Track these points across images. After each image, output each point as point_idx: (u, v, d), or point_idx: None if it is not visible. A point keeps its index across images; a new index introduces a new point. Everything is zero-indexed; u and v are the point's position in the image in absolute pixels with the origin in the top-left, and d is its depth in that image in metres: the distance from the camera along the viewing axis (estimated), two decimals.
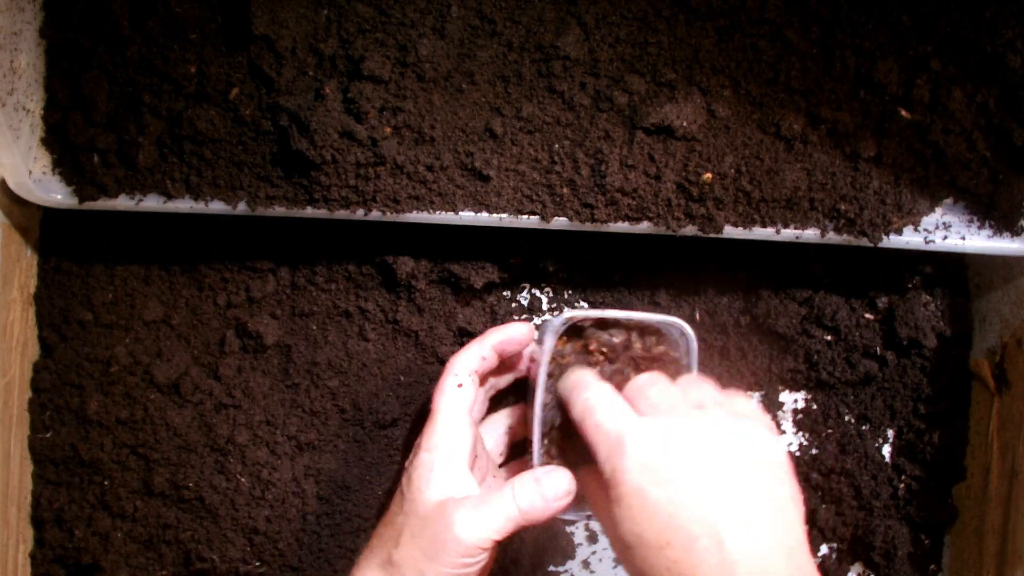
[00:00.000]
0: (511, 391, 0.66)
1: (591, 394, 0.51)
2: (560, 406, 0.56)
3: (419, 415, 0.71)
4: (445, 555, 0.52)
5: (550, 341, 0.57)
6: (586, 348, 0.57)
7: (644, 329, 0.58)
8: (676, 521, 0.45)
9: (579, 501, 0.56)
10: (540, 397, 0.56)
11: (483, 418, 0.66)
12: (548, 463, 0.56)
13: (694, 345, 0.57)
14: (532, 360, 0.61)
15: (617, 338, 0.57)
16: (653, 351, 0.58)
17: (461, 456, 0.56)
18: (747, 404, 0.52)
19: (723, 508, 0.45)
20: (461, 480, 0.55)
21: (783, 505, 0.47)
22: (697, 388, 0.52)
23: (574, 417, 0.51)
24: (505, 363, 0.62)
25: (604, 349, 0.57)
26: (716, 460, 0.46)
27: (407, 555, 0.53)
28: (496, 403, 0.67)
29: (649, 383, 0.51)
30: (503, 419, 0.66)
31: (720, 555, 0.44)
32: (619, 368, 0.57)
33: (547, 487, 0.53)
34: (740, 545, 0.44)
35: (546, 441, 0.57)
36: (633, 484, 0.46)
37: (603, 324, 0.58)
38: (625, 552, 0.47)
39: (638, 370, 0.56)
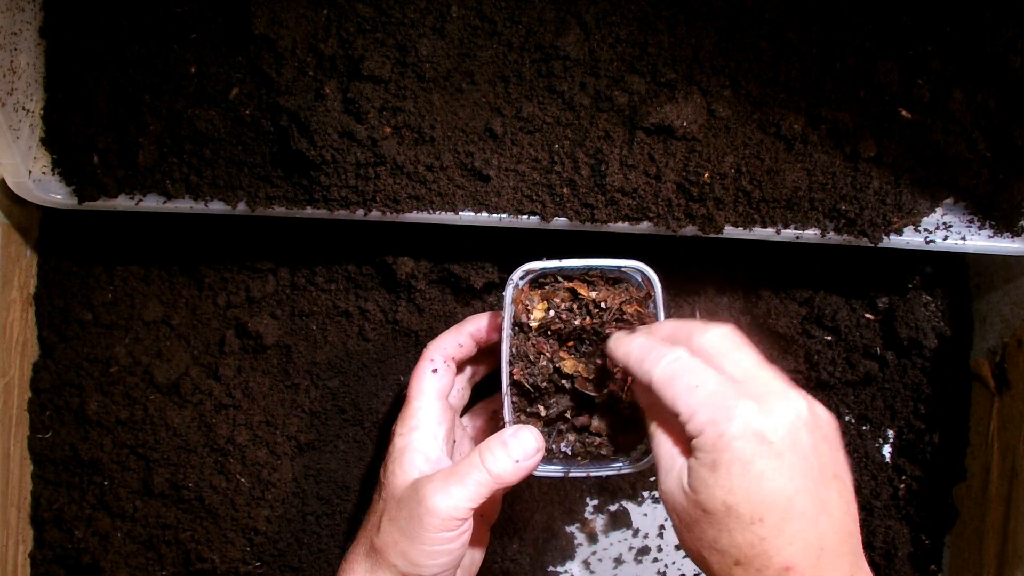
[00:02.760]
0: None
1: (675, 359, 0.48)
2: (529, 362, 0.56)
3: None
4: (423, 531, 0.52)
5: (509, 295, 0.56)
6: (550, 302, 0.58)
7: (606, 277, 0.58)
8: (775, 497, 0.43)
9: (550, 456, 0.57)
10: (506, 353, 0.56)
11: (467, 406, 0.66)
12: (519, 420, 0.57)
13: (659, 288, 0.57)
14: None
15: (594, 292, 0.58)
16: (630, 308, 0.57)
17: (436, 440, 0.56)
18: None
19: (817, 490, 0.44)
20: (435, 463, 0.56)
21: (851, 492, 0.47)
22: (765, 362, 0.49)
23: (656, 379, 0.48)
24: (486, 351, 0.62)
25: (575, 305, 0.57)
26: (814, 439, 0.45)
27: (388, 539, 0.53)
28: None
29: (733, 343, 0.48)
30: (488, 404, 0.66)
31: (809, 538, 0.43)
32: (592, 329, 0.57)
33: (515, 448, 0.53)
34: (827, 530, 0.44)
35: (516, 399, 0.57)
36: (740, 452, 0.44)
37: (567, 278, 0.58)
38: (703, 521, 0.45)
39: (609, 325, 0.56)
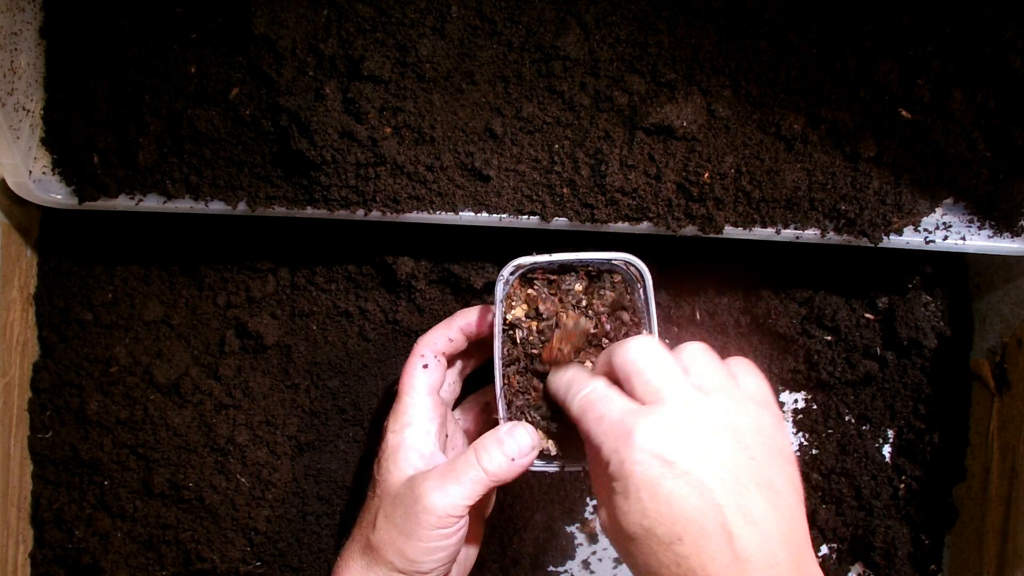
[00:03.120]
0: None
1: (588, 389, 0.50)
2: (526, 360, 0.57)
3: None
4: (419, 528, 0.52)
5: (500, 292, 0.56)
6: (533, 301, 0.58)
7: (598, 271, 0.58)
8: (687, 515, 0.43)
9: (545, 451, 0.57)
10: (498, 351, 0.56)
11: (459, 400, 0.66)
12: (514, 417, 0.57)
13: (650, 282, 0.56)
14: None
15: (578, 286, 0.57)
16: (614, 300, 0.57)
17: (428, 435, 0.57)
18: (752, 380, 0.50)
19: (734, 502, 0.44)
20: (429, 458, 0.56)
21: (789, 497, 0.46)
22: (701, 366, 0.49)
23: (573, 415, 0.51)
24: (476, 344, 0.62)
25: (564, 300, 0.57)
26: (726, 452, 0.45)
27: (383, 537, 0.53)
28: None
29: (645, 361, 0.48)
30: (480, 397, 0.66)
31: (732, 551, 0.43)
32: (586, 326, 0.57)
33: (510, 446, 0.53)
34: (750, 541, 0.43)
35: (515, 401, 0.57)
36: (643, 476, 0.44)
37: (555, 271, 0.58)
38: (629, 545, 0.46)
39: (600, 319, 0.57)
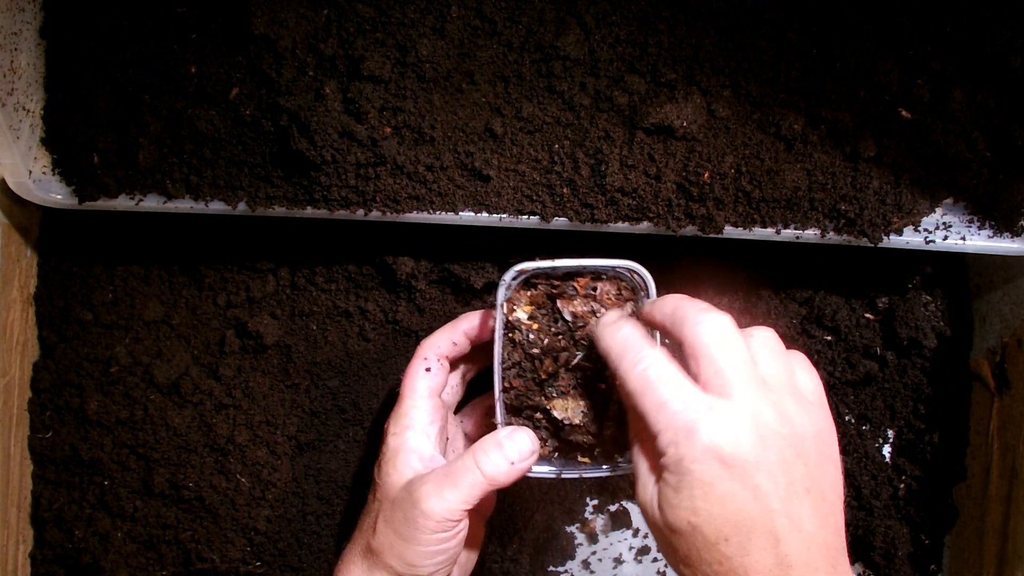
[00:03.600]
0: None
1: (649, 365, 0.47)
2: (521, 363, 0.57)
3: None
4: (418, 532, 0.52)
5: (502, 295, 0.56)
6: (554, 308, 0.57)
7: (602, 278, 0.58)
8: (738, 518, 0.43)
9: (543, 456, 0.57)
10: (498, 354, 0.56)
11: (462, 404, 0.66)
12: (512, 422, 0.57)
13: (653, 289, 0.56)
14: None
15: (579, 298, 0.57)
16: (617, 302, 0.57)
17: (429, 439, 0.56)
18: (809, 378, 0.49)
19: (785, 508, 0.43)
20: (429, 461, 0.55)
21: (834, 504, 0.46)
22: (769, 357, 0.47)
23: (628, 388, 0.47)
24: (479, 348, 0.62)
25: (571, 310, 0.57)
26: (785, 456, 0.44)
27: (384, 541, 0.53)
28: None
29: (716, 344, 0.46)
30: (483, 401, 0.66)
31: (776, 555, 0.43)
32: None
33: (510, 450, 0.53)
34: (795, 547, 0.43)
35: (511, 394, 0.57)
36: (701, 476, 0.43)
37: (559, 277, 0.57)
38: (671, 536, 0.45)
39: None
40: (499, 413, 0.56)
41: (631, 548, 0.74)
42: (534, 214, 0.61)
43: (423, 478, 0.53)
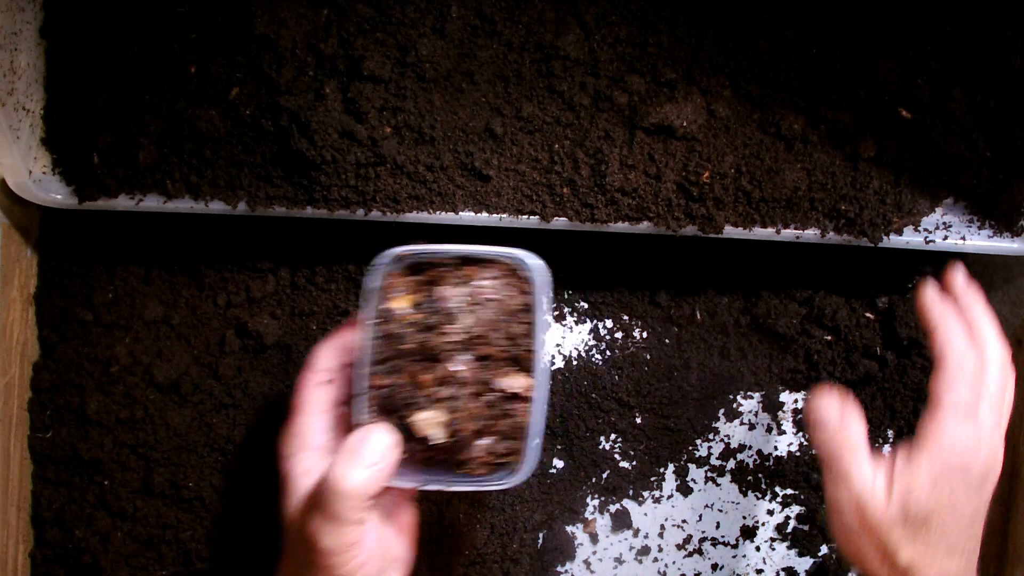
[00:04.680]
0: None
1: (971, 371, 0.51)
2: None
3: None
4: (317, 571, 0.48)
5: (373, 282, 0.51)
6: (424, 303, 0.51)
7: (492, 266, 0.52)
8: (953, 522, 0.49)
9: (414, 464, 0.51)
10: (366, 348, 0.50)
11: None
12: (375, 420, 0.50)
13: (542, 285, 0.51)
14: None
15: (454, 290, 0.51)
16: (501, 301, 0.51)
17: (327, 457, 0.51)
18: (1004, 390, 0.52)
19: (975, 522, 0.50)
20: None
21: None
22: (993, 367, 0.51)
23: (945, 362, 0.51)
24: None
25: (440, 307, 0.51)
26: (982, 476, 0.50)
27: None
28: None
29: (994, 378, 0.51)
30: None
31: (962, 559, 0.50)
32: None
33: (366, 454, 0.47)
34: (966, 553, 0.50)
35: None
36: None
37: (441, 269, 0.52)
38: (893, 527, 0.49)
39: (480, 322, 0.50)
40: (358, 413, 0.51)
41: (631, 548, 0.74)
42: (534, 214, 0.61)
43: (309, 506, 0.48)
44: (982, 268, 0.71)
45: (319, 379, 0.53)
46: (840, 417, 0.52)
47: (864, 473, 0.50)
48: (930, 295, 0.54)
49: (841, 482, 0.51)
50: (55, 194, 0.62)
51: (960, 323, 0.53)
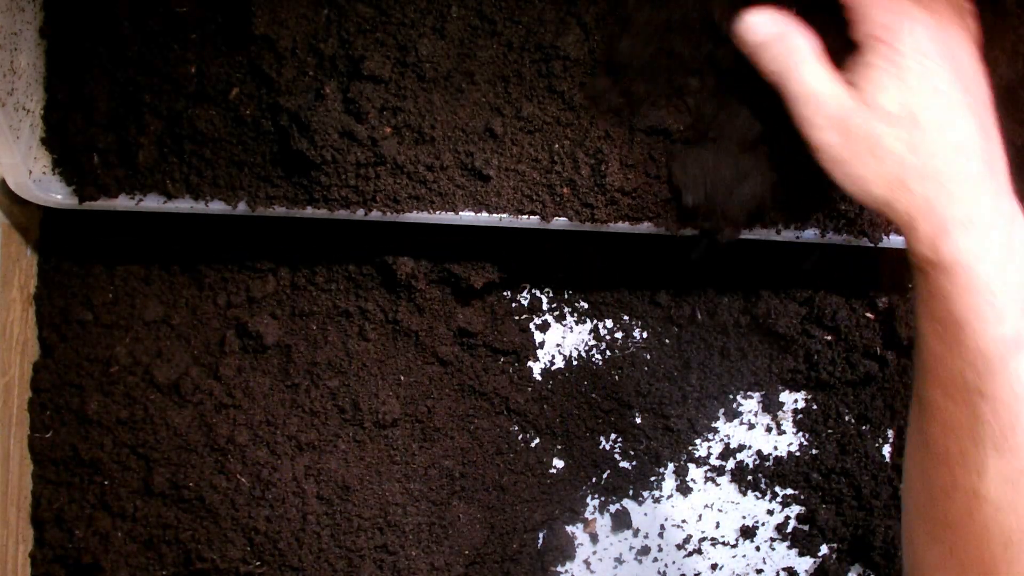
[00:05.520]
0: None
1: None
2: None
3: (419, 415, 0.71)
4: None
5: None
6: None
7: None
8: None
9: None
10: None
11: None
12: None
13: None
14: None
15: None
16: None
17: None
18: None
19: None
20: None
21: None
22: None
23: None
24: None
25: None
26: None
27: None
28: None
29: None
30: None
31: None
32: None
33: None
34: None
35: None
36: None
37: None
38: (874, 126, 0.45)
39: None
40: None
41: (631, 548, 0.74)
42: (534, 214, 0.61)
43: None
44: None
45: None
46: (782, 30, 0.48)
47: (822, 75, 0.47)
48: None
49: (801, 94, 0.47)
50: (55, 194, 0.62)
51: None
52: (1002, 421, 0.44)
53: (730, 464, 0.74)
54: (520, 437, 0.74)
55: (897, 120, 0.45)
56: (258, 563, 0.69)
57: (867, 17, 0.47)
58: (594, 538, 0.75)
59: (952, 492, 0.45)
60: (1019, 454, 0.44)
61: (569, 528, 0.74)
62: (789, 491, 0.74)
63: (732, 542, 0.74)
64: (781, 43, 0.48)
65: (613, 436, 0.73)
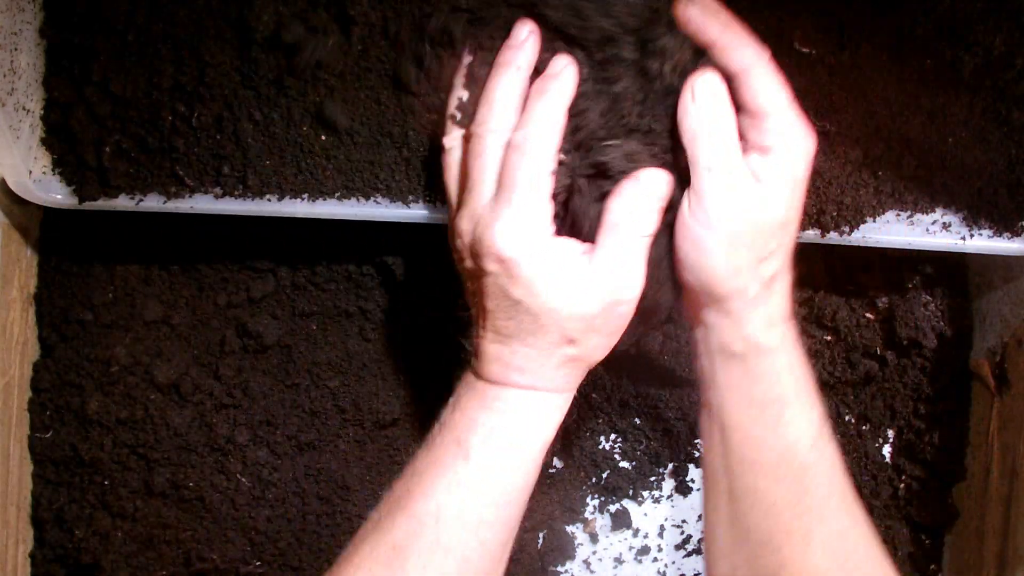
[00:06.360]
0: None
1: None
2: None
3: (419, 415, 0.71)
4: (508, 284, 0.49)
5: None
6: None
7: None
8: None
9: None
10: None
11: None
12: None
13: None
14: None
15: None
16: None
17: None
18: None
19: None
20: None
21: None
22: None
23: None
24: None
25: None
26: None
27: None
28: None
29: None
30: None
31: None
32: None
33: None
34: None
35: None
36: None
37: None
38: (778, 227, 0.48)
39: None
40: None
41: (631, 548, 0.74)
42: None
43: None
44: (982, 268, 0.71)
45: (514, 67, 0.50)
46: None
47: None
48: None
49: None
50: (55, 194, 0.62)
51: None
52: (823, 490, 0.48)
53: None
54: None
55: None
56: (258, 563, 0.69)
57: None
58: (594, 538, 0.75)
59: (780, 572, 0.47)
60: (839, 518, 0.48)
61: (569, 528, 0.74)
62: None
63: None
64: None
65: (613, 436, 0.73)
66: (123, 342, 0.69)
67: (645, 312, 0.51)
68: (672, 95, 0.48)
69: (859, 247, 0.62)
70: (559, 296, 0.47)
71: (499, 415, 0.48)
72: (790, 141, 0.48)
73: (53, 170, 0.62)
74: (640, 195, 0.48)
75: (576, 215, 0.49)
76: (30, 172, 0.61)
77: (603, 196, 0.49)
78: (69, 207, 0.62)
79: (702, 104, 0.47)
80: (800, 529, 0.47)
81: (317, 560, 0.70)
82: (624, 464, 0.74)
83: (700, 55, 0.49)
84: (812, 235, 0.62)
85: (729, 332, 0.49)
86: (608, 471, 0.74)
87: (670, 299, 0.52)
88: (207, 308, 0.71)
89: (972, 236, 0.62)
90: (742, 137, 0.48)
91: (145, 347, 0.69)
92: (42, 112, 0.62)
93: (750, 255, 0.48)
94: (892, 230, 0.61)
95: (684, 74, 0.48)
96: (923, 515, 0.72)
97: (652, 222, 0.48)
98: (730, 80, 0.48)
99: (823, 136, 0.60)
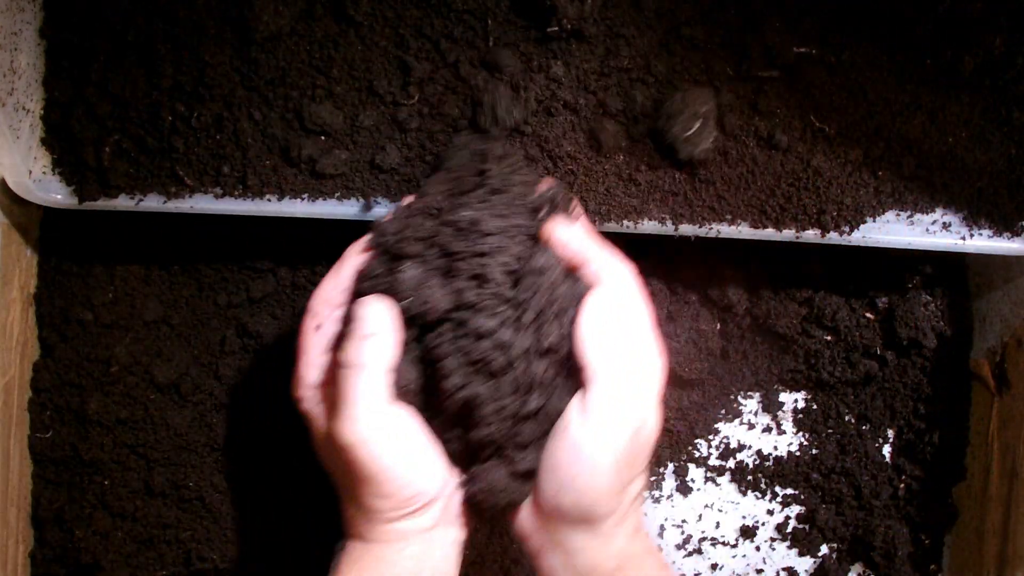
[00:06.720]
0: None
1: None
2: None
3: None
4: (354, 485, 0.48)
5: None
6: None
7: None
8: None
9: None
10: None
11: None
12: None
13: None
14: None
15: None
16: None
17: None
18: None
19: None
20: None
21: None
22: None
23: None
24: None
25: None
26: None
27: None
28: None
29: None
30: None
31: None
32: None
33: (363, 324, 0.47)
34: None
35: None
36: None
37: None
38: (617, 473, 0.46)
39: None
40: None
41: None
42: None
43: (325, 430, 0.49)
44: (982, 268, 0.71)
45: (314, 324, 0.51)
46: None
47: None
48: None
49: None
50: (55, 194, 0.62)
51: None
52: None
53: (730, 464, 0.74)
54: None
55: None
56: (258, 563, 0.69)
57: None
58: None
59: None
60: None
61: None
62: (789, 491, 0.74)
63: (732, 542, 0.74)
64: None
65: None
66: (123, 342, 0.69)
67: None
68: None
69: (859, 247, 0.62)
70: None
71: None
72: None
73: (53, 170, 0.63)
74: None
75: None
76: (30, 172, 0.62)
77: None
78: (69, 207, 0.62)
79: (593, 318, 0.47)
80: None
81: (317, 560, 0.70)
82: None
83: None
84: (812, 235, 0.62)
85: (599, 552, 0.46)
86: None
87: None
88: (207, 308, 0.71)
89: (972, 236, 0.62)
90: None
91: (145, 347, 0.69)
92: (42, 112, 0.62)
93: (632, 472, 0.46)
94: (892, 230, 0.61)
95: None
96: (923, 515, 0.72)
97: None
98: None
99: (823, 136, 0.60)
